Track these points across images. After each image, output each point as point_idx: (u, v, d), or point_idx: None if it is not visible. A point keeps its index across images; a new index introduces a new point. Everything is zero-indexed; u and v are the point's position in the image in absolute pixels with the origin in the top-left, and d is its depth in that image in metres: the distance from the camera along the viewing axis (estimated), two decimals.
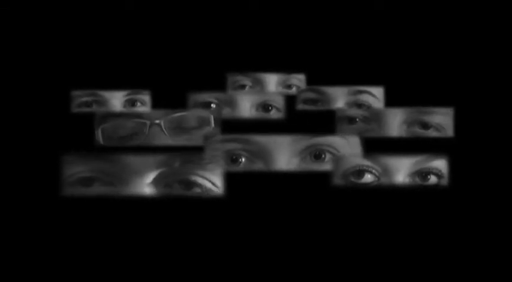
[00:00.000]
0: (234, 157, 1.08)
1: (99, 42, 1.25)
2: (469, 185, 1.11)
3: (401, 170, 1.06)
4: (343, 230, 1.08)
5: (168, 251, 1.07)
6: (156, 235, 1.07)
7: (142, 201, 1.03)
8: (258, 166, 1.08)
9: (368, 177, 1.06)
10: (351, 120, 1.21)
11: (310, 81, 1.30)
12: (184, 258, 1.07)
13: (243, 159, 1.08)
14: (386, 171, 1.06)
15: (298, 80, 1.32)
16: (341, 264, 1.07)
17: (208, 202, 1.04)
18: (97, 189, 1.02)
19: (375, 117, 1.20)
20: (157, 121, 1.14)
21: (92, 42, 1.25)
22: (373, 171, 1.06)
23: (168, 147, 1.10)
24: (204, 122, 1.17)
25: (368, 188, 1.06)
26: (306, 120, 1.18)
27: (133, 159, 1.01)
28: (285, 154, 1.07)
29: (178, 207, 1.06)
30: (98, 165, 1.01)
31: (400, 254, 1.07)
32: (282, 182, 1.07)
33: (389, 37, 1.26)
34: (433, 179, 1.07)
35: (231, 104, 1.27)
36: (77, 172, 1.02)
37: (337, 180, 1.07)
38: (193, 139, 1.14)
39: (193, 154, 1.03)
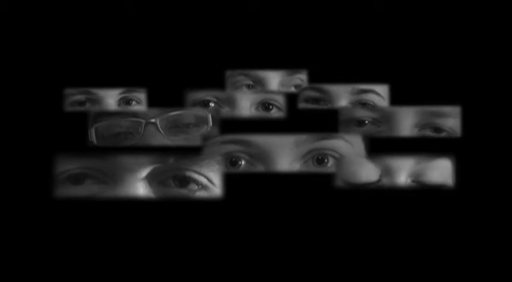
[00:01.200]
0: (234, 160, 1.07)
1: (93, 39, 1.24)
2: (475, 187, 1.10)
3: (404, 171, 1.05)
4: (344, 231, 1.08)
5: (165, 254, 1.07)
6: (153, 237, 1.07)
7: (140, 203, 1.02)
8: (259, 169, 1.07)
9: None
10: (360, 122, 1.19)
11: (312, 79, 1.28)
12: (182, 261, 1.07)
13: (243, 162, 1.07)
14: (388, 171, 1.05)
15: (301, 80, 1.31)
16: (343, 266, 1.07)
17: (207, 204, 1.03)
18: (89, 188, 1.01)
19: (384, 119, 1.18)
20: (153, 120, 1.13)
21: (86, 38, 1.24)
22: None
23: (164, 147, 1.09)
24: (202, 121, 1.15)
25: (370, 190, 1.06)
26: (308, 119, 1.17)
27: (127, 158, 1.01)
28: (286, 158, 1.06)
29: (176, 210, 1.05)
30: (90, 163, 1.01)
31: (404, 257, 1.07)
32: (283, 184, 1.06)
33: (394, 33, 1.25)
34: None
35: (231, 102, 1.25)
36: (68, 170, 1.01)
37: (339, 182, 1.06)
38: (191, 139, 1.13)
39: (190, 153, 1.03)
